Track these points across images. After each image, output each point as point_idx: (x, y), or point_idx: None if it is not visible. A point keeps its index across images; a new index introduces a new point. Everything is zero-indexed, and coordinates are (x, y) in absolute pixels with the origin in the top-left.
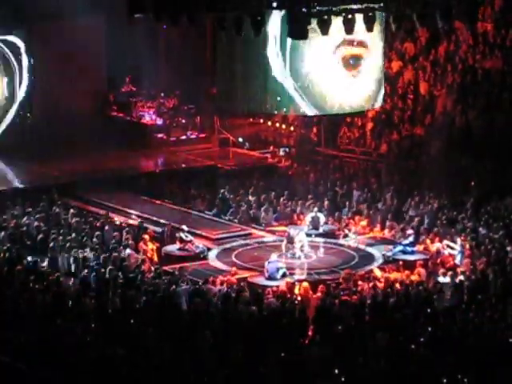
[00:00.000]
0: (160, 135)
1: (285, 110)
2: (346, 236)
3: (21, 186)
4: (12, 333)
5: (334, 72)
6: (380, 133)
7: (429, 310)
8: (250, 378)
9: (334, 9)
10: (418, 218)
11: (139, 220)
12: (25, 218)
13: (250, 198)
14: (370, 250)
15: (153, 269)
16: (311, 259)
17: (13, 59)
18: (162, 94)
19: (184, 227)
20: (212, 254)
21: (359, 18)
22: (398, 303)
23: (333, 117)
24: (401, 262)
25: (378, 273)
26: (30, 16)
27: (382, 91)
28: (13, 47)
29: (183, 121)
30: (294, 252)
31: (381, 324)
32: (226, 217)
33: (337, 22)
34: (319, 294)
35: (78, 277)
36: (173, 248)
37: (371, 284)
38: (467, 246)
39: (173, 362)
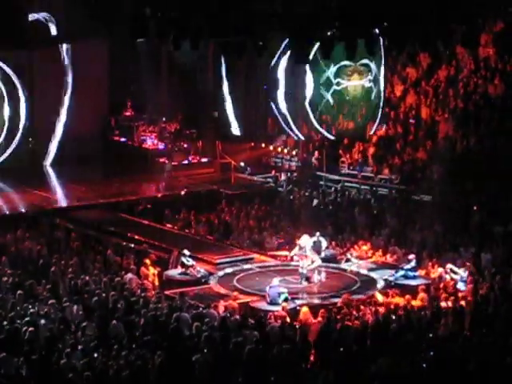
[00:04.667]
0: (162, 160)
1: (286, 134)
2: (348, 260)
3: (22, 210)
4: (13, 357)
5: (334, 98)
6: (382, 157)
7: (431, 335)
8: None
9: (336, 34)
10: (420, 243)
11: (144, 245)
12: (26, 243)
13: (252, 222)
14: (371, 274)
15: (154, 293)
16: (313, 284)
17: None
18: (164, 119)
19: (186, 252)
20: (214, 279)
21: (361, 43)
22: (399, 328)
23: (334, 141)
24: (401, 287)
25: (379, 298)
26: (32, 39)
27: (379, 116)
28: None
29: (185, 145)
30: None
31: (382, 349)
32: (227, 241)
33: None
34: (320, 319)
35: (79, 302)
36: (174, 272)
37: (373, 309)
38: (469, 271)
39: None
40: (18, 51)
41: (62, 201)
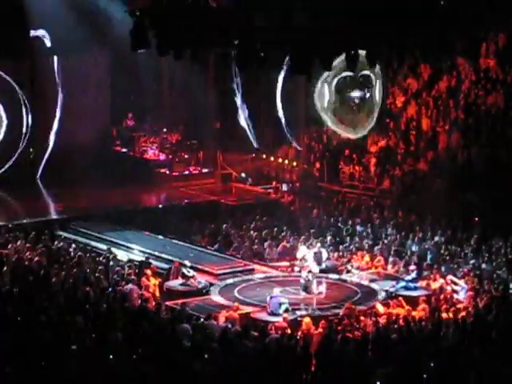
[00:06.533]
0: (163, 170)
1: (287, 144)
2: (348, 271)
3: (23, 220)
4: (13, 368)
5: (335, 108)
6: (383, 168)
7: (432, 347)
8: None
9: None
10: (421, 254)
11: (145, 256)
12: (27, 253)
13: (253, 233)
14: (372, 285)
15: (155, 304)
16: (313, 294)
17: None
18: (165, 129)
19: (186, 262)
20: (214, 290)
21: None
22: (400, 339)
23: (335, 152)
24: (403, 298)
25: (380, 309)
26: (34, 50)
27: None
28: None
29: (186, 156)
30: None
31: (383, 360)
32: (228, 252)
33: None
34: (321, 330)
35: (80, 312)
36: (175, 283)
37: (374, 319)
38: (470, 282)
39: None
40: (19, 63)
41: (63, 211)
